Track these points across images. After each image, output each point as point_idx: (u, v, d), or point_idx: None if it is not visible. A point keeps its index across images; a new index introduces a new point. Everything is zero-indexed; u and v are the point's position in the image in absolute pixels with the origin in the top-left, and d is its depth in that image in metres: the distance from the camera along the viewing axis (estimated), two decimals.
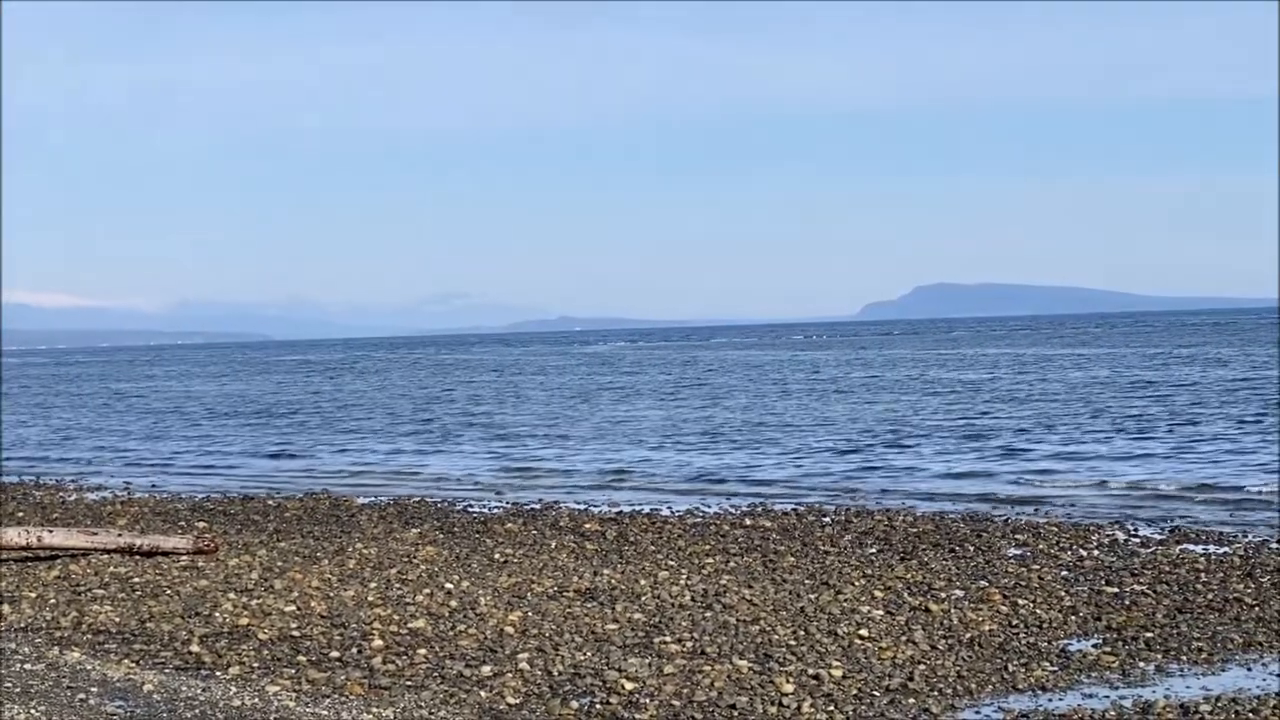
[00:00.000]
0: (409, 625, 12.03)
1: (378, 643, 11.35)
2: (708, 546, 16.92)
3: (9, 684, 9.49)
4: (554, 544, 17.37)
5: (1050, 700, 9.98)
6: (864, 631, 11.77)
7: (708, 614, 12.49)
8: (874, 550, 16.43)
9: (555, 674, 10.44)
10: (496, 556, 16.21)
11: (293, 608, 12.73)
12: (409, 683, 10.22)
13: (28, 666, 10.14)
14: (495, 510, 21.89)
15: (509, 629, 11.90)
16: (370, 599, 13.24)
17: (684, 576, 14.49)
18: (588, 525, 19.28)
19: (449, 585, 14.00)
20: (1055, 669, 10.71)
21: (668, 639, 11.48)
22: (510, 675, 10.39)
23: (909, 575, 14.43)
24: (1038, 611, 12.59)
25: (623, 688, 10.06)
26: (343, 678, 10.27)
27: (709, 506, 22.07)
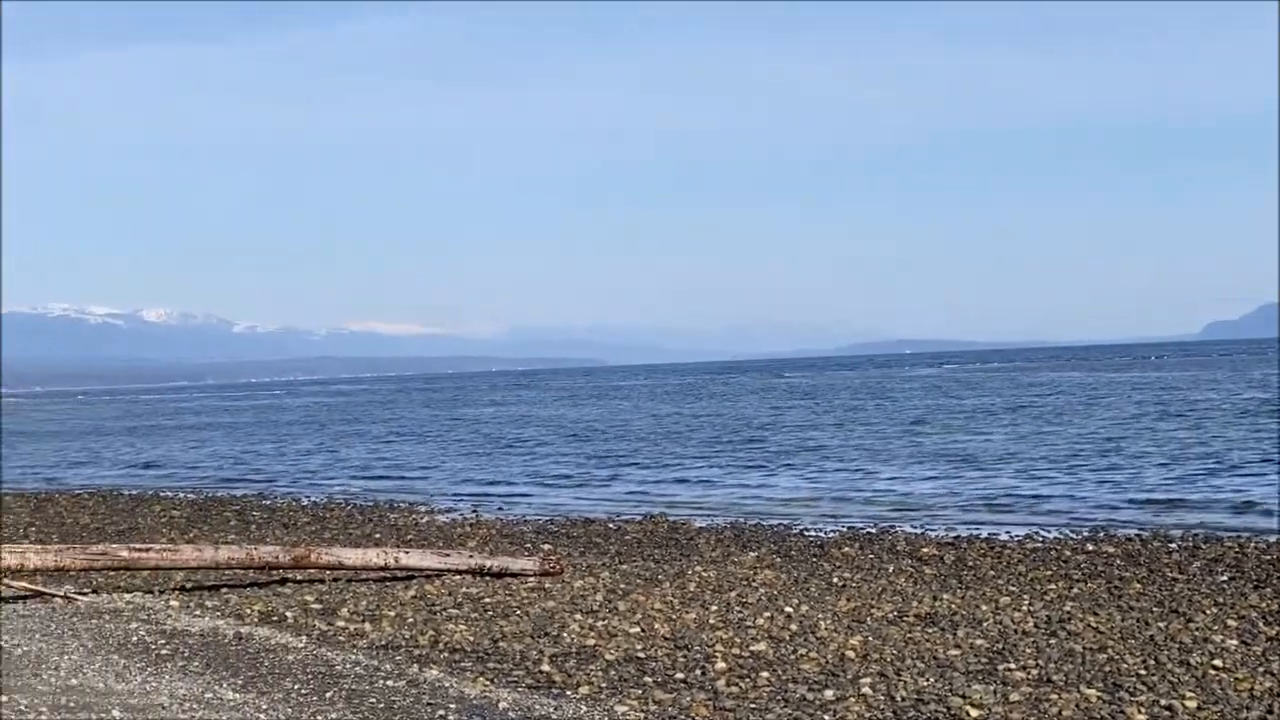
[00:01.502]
0: (751, 648, 12.07)
1: (721, 665, 11.41)
2: (1049, 572, 16.53)
3: (373, 699, 9.87)
4: (891, 568, 17.22)
5: None
6: (1218, 662, 11.30)
7: (1052, 641, 12.19)
8: (1225, 578, 15.79)
9: (898, 699, 10.33)
10: (834, 580, 16.16)
11: (637, 629, 12.91)
12: (753, 705, 10.25)
13: (390, 683, 10.53)
14: (831, 534, 21.83)
15: (850, 653, 11.82)
16: (712, 621, 13.33)
17: (1026, 602, 14.19)
18: (925, 549, 19.05)
19: (789, 609, 14.00)
20: None
21: (1012, 666, 11.24)
22: (853, 700, 10.31)
23: (1263, 604, 13.82)
24: None
25: (968, 714, 9.89)
26: (688, 699, 10.35)
27: (1048, 531, 21.57)
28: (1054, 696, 10.27)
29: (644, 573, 17.05)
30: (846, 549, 19.44)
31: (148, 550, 15.41)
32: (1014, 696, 10.29)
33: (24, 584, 14.68)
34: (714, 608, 14.12)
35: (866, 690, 10.56)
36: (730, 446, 43.93)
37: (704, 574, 16.73)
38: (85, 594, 15.15)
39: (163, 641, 12.21)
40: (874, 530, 22.10)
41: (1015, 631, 12.63)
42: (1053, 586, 15.25)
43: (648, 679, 10.98)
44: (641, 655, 11.82)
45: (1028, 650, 11.82)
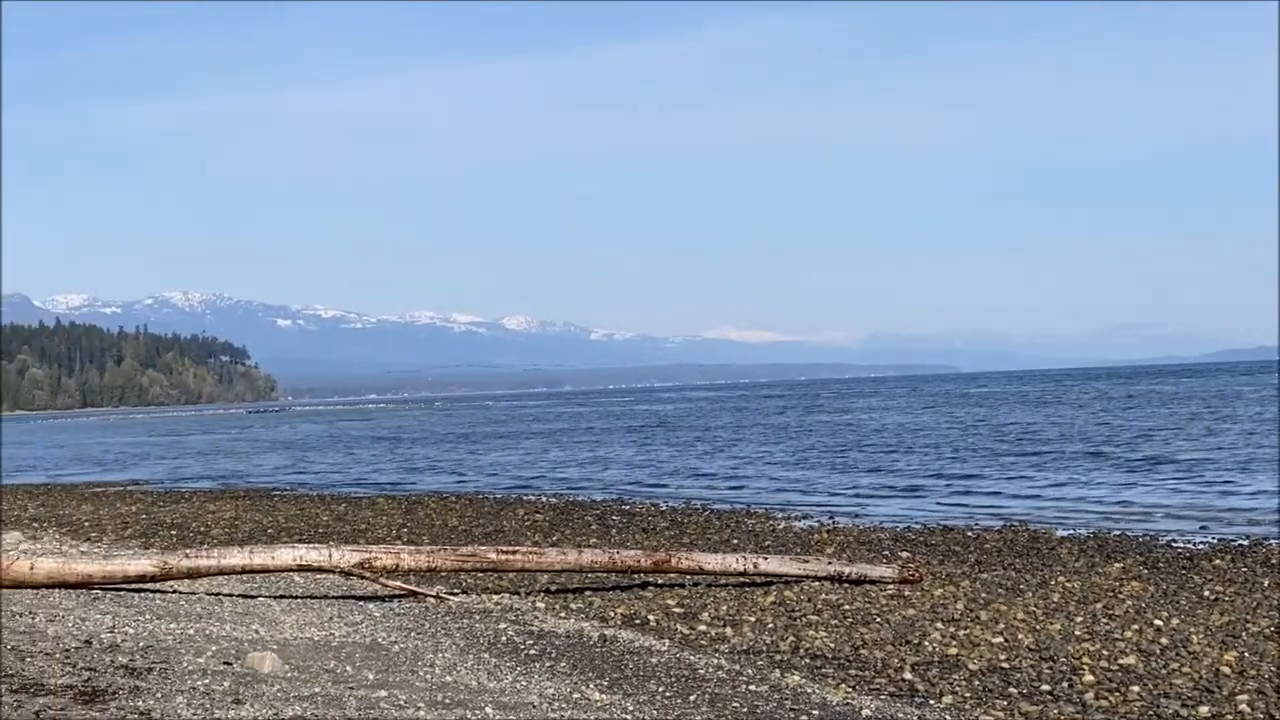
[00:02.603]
0: (1119, 661, 11.71)
1: (1088, 678, 11.11)
2: None
3: (736, 704, 9.95)
4: (1267, 582, 16.48)
5: None
6: None
7: None
8: None
9: (1278, 717, 9.88)
10: (1205, 594, 15.56)
11: (1000, 639, 12.68)
12: None
13: (752, 688, 10.60)
14: (1200, 546, 21.01)
15: (1225, 669, 11.36)
16: (1077, 633, 13.00)
17: None
18: None
19: (1158, 621, 13.54)
20: None
21: None
22: (1230, 717, 9.91)
23: None
24: None
25: None
26: (1055, 712, 10.11)
27: None
28: None
29: (1005, 582, 16.74)
30: (1217, 561, 18.68)
31: (514, 553, 15.89)
32: None
33: (399, 584, 15.31)
34: (1079, 619, 13.76)
35: (1244, 707, 10.14)
36: (1085, 455, 42.72)
37: (1068, 584, 16.33)
38: (456, 594, 15.72)
39: (530, 642, 12.56)
40: (1245, 543, 21.17)
41: None
42: None
43: (1013, 690, 10.77)
44: (1005, 665, 11.61)
45: None
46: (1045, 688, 10.82)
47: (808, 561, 16.56)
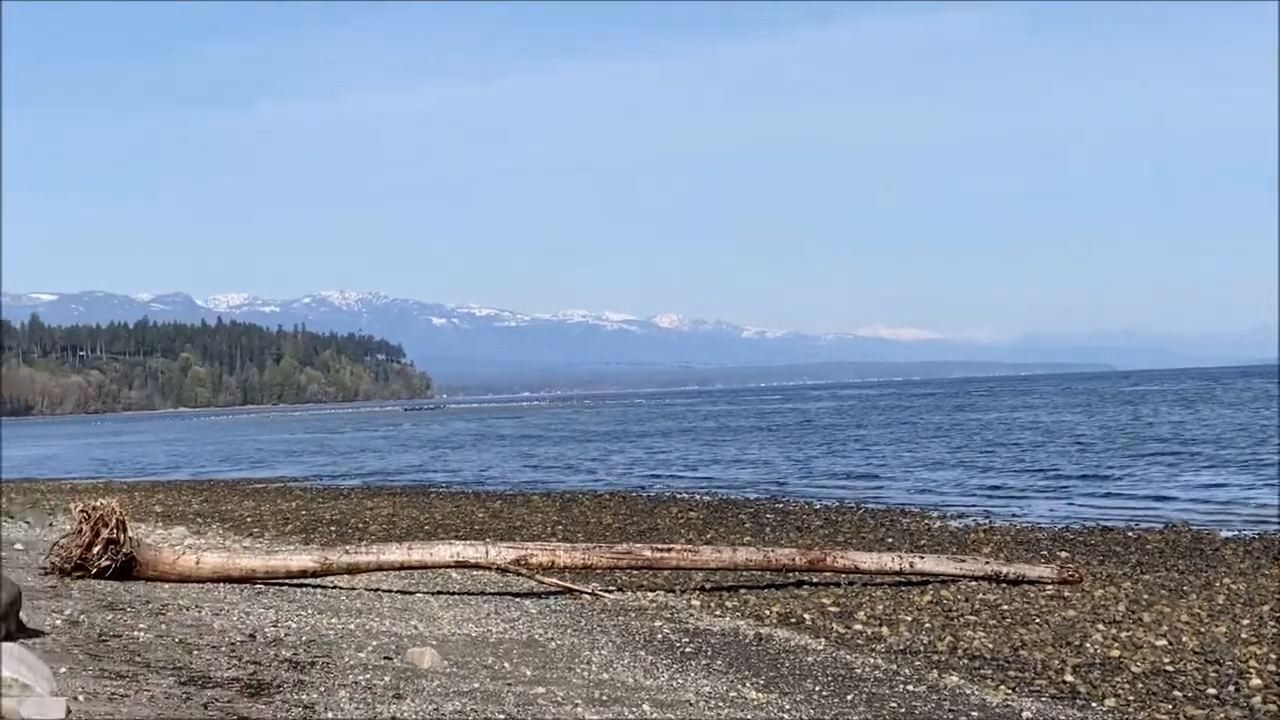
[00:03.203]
0: None
1: (1255, 681, 10.85)
2: None
3: (893, 704, 9.87)
4: None
5: None
6: None
7: None
8: None
9: None
10: None
11: (1163, 641, 12.44)
12: None
13: (909, 688, 10.50)
14: None
15: None
16: (1244, 636, 12.70)
17: None
18: None
19: None
20: None
21: None
22: None
23: None
24: None
25: None
26: (1221, 716, 9.89)
27: None
28: None
29: (1168, 583, 16.43)
30: None
31: (669, 550, 15.91)
32: None
33: (555, 581, 15.40)
34: (1245, 621, 13.45)
35: None
36: (1246, 454, 41.74)
37: (1233, 586, 15.98)
38: (611, 591, 15.78)
39: (686, 640, 12.57)
40: None
41: None
42: None
43: (1177, 693, 10.56)
44: (1169, 669, 11.38)
45: None
46: (1211, 691, 10.59)
47: (964, 561, 16.38)
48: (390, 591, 15.02)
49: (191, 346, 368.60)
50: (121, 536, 13.55)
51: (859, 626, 13.44)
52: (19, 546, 17.29)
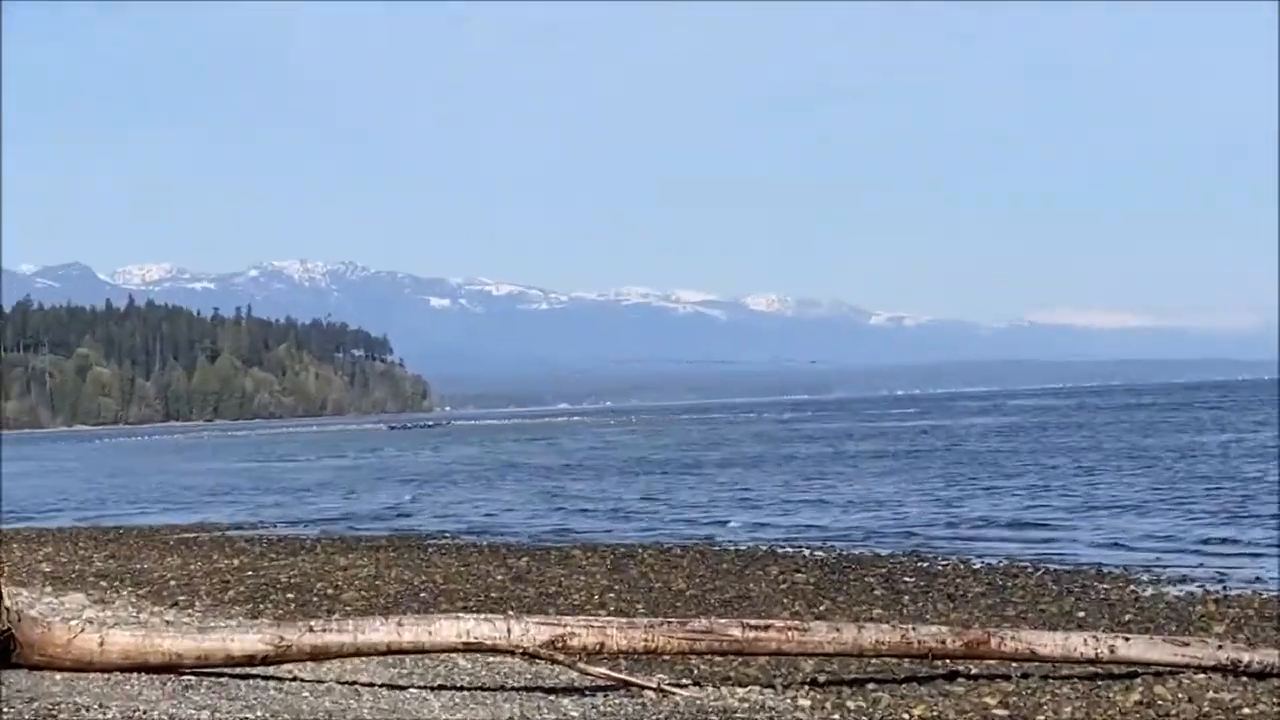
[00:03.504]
0: None
1: None
2: None
3: None
4: None
5: None
6: None
7: None
8: None
9: None
10: None
11: None
12: None
13: None
14: None
15: None
16: None
17: None
18: None
19: None
20: None
21: None
22: None
23: None
24: None
25: None
26: None
27: None
28: None
29: None
30: None
31: (766, 628, 15.88)
32: None
33: (604, 671, 15.38)
34: None
35: None
36: None
37: None
38: (684, 686, 15.76)
39: None
40: None
41: None
42: None
43: None
44: None
45: None
46: None
47: (1188, 644, 16.28)
48: (373, 686, 15.07)
49: (92, 338, 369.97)
50: None
51: None
52: None
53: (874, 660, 16.67)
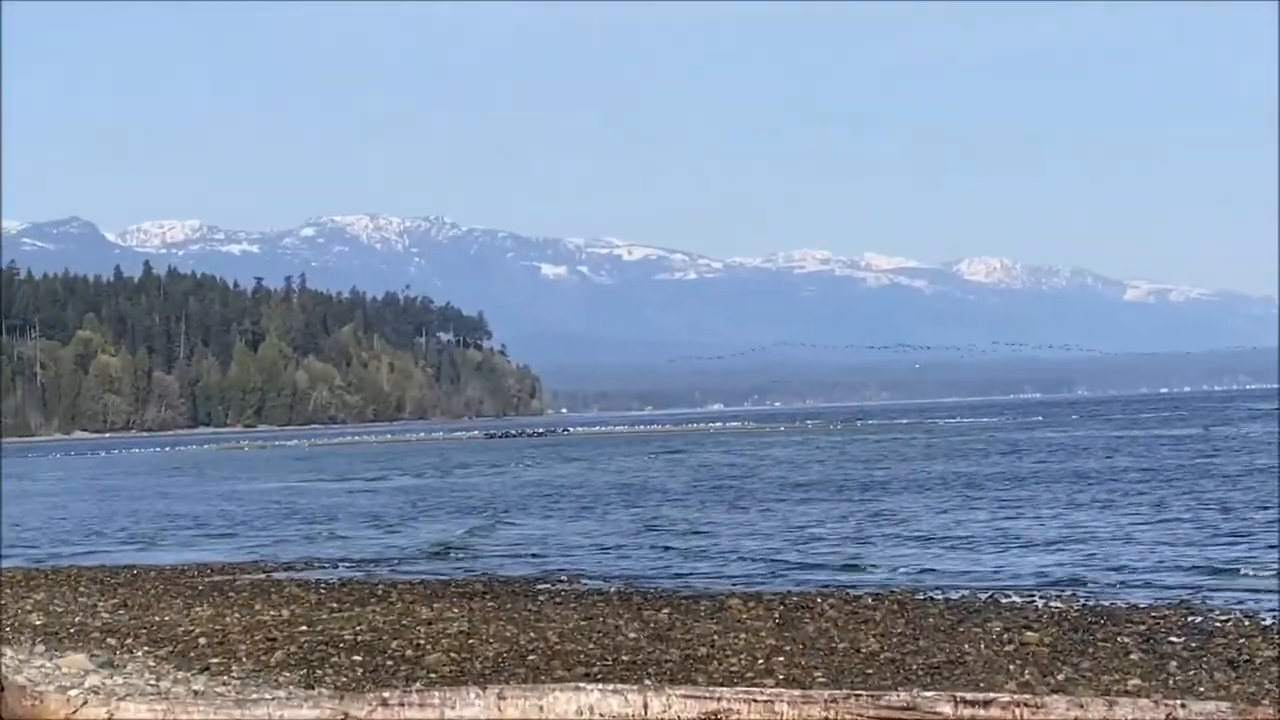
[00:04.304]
0: None
1: None
2: None
3: None
4: None
5: None
6: None
7: None
8: None
9: None
10: None
11: None
12: None
13: None
14: None
15: None
16: None
17: None
18: None
19: None
20: None
21: None
22: None
23: None
24: None
25: None
26: None
27: None
28: None
29: None
30: None
31: (987, 704, 15.85)
32: None
33: None
34: None
35: None
36: None
37: None
38: None
39: None
40: None
41: None
42: None
43: None
44: None
45: None
46: None
47: None
48: None
49: (96, 317, 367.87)
50: None
51: None
52: None
53: None
